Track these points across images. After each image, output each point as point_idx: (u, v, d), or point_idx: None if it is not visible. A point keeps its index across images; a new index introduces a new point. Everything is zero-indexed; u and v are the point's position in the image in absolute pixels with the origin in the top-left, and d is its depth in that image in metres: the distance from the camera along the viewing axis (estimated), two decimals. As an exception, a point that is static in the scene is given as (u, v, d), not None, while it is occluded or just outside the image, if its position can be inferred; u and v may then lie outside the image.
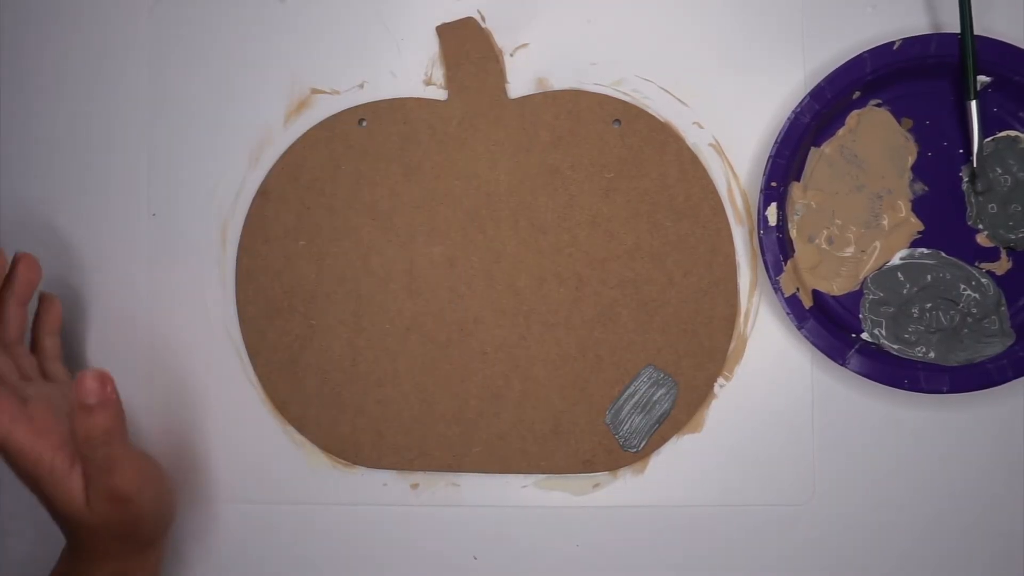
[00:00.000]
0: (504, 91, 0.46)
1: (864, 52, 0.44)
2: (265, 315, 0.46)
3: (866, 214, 0.45)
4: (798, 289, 0.44)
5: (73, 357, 0.48)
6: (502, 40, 0.47)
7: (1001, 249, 0.45)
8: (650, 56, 0.46)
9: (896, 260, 0.45)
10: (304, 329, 0.46)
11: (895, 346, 0.44)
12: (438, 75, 0.47)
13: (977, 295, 0.44)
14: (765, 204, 0.44)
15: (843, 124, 0.45)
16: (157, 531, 0.42)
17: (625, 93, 0.46)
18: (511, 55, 0.47)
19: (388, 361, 0.46)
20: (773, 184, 0.44)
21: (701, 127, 0.46)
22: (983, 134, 0.44)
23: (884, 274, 0.45)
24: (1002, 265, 0.45)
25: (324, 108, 0.47)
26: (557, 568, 0.46)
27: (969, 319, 0.44)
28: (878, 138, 0.45)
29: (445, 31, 0.46)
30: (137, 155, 0.48)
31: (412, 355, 0.46)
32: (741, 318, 0.46)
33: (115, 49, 0.48)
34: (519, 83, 0.47)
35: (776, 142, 0.44)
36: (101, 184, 0.48)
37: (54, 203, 0.48)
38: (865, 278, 0.45)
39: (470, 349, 0.46)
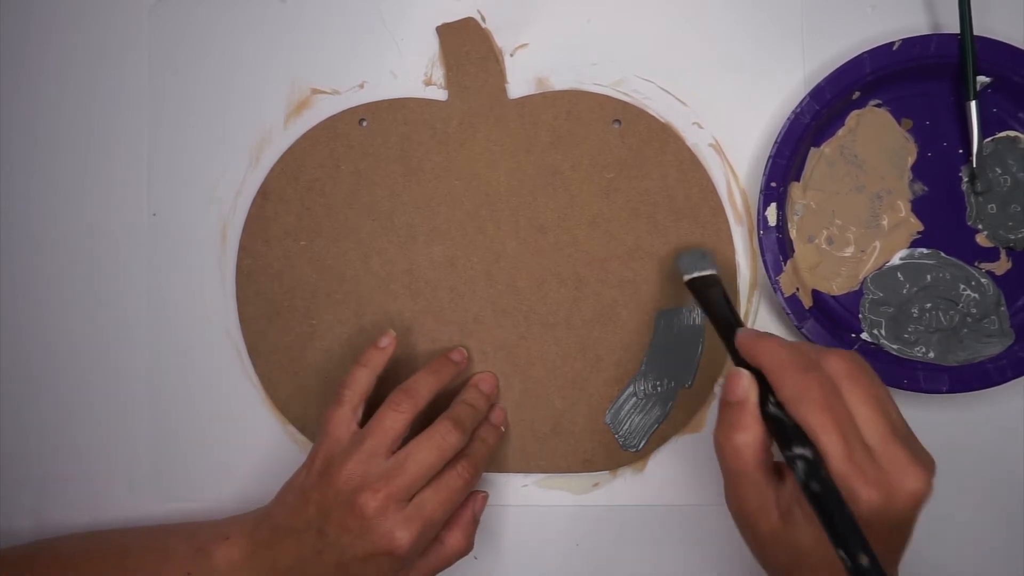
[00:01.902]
0: (504, 91, 0.46)
1: (864, 52, 0.44)
2: (265, 315, 0.46)
3: (866, 214, 0.45)
4: (798, 289, 0.44)
5: (72, 357, 0.48)
6: (502, 40, 0.47)
7: (1001, 249, 0.45)
8: (650, 56, 0.46)
9: (896, 260, 0.45)
10: (304, 329, 0.46)
11: (895, 346, 0.44)
12: (438, 75, 0.47)
13: (977, 295, 0.45)
14: (765, 204, 0.44)
15: (843, 124, 0.45)
16: None
17: (625, 93, 0.46)
18: (511, 55, 0.47)
19: (388, 361, 0.46)
20: (773, 184, 0.44)
21: (701, 127, 0.46)
22: (983, 134, 0.44)
23: (884, 274, 0.45)
24: (1002, 265, 0.45)
25: (324, 108, 0.47)
26: (557, 568, 0.47)
27: (969, 319, 0.44)
28: (878, 138, 0.45)
29: (445, 31, 0.46)
30: (137, 155, 0.48)
31: (412, 355, 0.46)
32: (741, 318, 0.46)
33: (115, 49, 0.48)
34: (519, 83, 0.47)
35: (776, 142, 0.44)
36: (101, 184, 0.48)
37: (54, 203, 0.48)
38: (865, 278, 0.45)
39: (470, 349, 0.46)
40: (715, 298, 0.41)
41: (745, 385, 0.34)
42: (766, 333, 0.36)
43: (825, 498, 0.31)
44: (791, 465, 0.32)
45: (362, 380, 0.42)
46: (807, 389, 0.32)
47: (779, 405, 0.33)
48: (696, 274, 0.42)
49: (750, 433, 0.34)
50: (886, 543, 0.32)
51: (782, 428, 0.33)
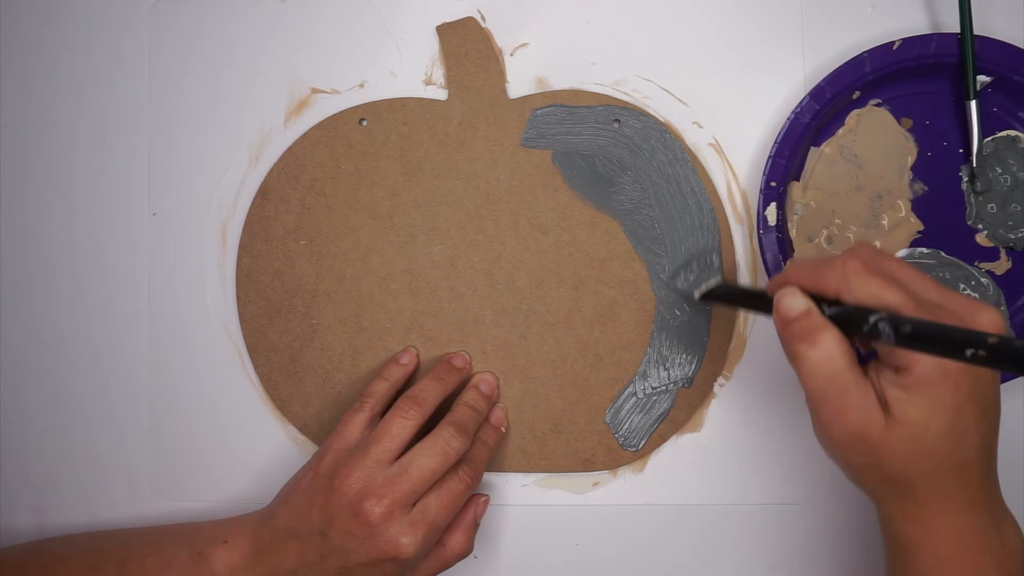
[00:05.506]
0: (504, 91, 0.46)
1: (864, 52, 0.44)
2: (265, 315, 0.46)
3: (866, 214, 0.45)
4: (798, 289, 0.44)
5: (71, 356, 0.48)
6: (502, 40, 0.47)
7: (1001, 249, 0.45)
8: (650, 56, 0.46)
9: (896, 260, 0.45)
10: (304, 329, 0.46)
11: (895, 346, 0.44)
12: (438, 75, 0.47)
13: (977, 295, 0.45)
14: (765, 204, 0.44)
15: (843, 124, 0.45)
16: None
17: (625, 93, 0.46)
18: (511, 55, 0.47)
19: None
20: (773, 184, 0.44)
21: (701, 127, 0.46)
22: (983, 134, 0.44)
23: (884, 274, 0.45)
24: (1002, 265, 0.45)
25: (324, 108, 0.47)
26: (557, 567, 0.47)
27: (969, 319, 0.44)
28: (878, 138, 0.45)
29: (445, 31, 0.46)
30: (137, 155, 0.48)
31: (412, 355, 0.46)
32: (741, 318, 0.46)
33: (114, 49, 0.48)
34: (519, 83, 0.47)
35: (776, 142, 0.44)
36: (101, 184, 0.48)
37: (54, 202, 0.48)
38: (865, 278, 0.45)
39: (470, 349, 0.46)
40: (733, 293, 0.42)
41: (799, 297, 0.34)
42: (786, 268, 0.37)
43: (922, 328, 0.30)
44: (875, 335, 0.31)
45: (383, 391, 0.43)
46: (849, 269, 0.33)
47: (832, 305, 0.33)
48: (705, 288, 0.43)
49: (829, 333, 0.33)
50: (983, 392, 0.32)
51: (848, 316, 0.33)
